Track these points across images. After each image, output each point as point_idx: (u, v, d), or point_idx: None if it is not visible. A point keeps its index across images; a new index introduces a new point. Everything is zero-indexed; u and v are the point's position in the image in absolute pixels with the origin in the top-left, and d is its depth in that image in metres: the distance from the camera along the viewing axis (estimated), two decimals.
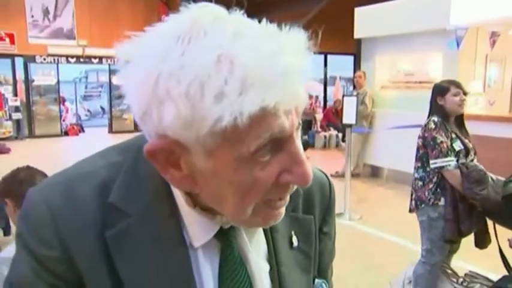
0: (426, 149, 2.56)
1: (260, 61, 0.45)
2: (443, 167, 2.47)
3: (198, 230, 0.58)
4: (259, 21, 0.51)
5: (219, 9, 0.50)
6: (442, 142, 2.48)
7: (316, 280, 0.71)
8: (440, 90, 2.62)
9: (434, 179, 2.55)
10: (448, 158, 2.46)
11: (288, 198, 0.56)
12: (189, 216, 0.57)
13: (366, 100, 6.79)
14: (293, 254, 0.66)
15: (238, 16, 0.50)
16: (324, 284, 0.72)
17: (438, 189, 2.54)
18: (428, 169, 2.57)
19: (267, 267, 0.64)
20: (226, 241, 0.60)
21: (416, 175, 2.66)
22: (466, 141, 2.58)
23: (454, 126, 2.60)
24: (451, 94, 2.57)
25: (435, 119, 2.55)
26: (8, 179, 1.92)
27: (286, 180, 0.51)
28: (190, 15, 0.49)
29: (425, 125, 2.59)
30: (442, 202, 2.53)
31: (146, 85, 0.47)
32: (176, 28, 0.48)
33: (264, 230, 0.64)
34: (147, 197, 0.56)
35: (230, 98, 0.44)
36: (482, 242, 2.58)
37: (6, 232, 4.07)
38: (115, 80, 13.31)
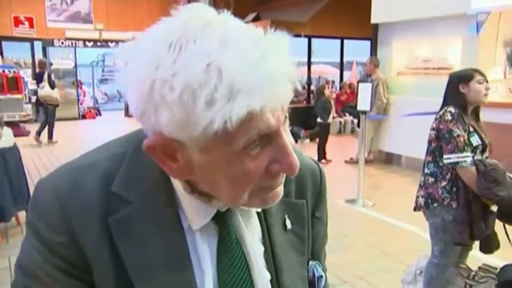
0: (440, 142, 2.36)
1: (245, 68, 0.48)
2: (458, 163, 2.27)
3: (196, 214, 0.62)
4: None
5: (209, 12, 0.53)
6: (458, 136, 2.27)
7: (311, 262, 0.75)
8: (463, 77, 2.41)
9: (448, 176, 2.35)
10: (464, 154, 2.26)
11: (282, 180, 0.60)
12: (187, 201, 0.62)
13: (379, 88, 6.71)
14: (287, 236, 0.70)
15: (226, 19, 0.53)
16: (318, 266, 0.75)
17: (453, 188, 2.34)
18: (441, 164, 2.37)
19: (261, 248, 0.68)
20: (223, 224, 0.64)
21: (426, 170, 2.46)
22: (484, 136, 2.37)
23: (471, 119, 2.39)
24: (476, 81, 2.36)
25: (452, 109, 2.33)
26: None
27: (276, 169, 0.56)
28: (181, 20, 0.52)
29: (440, 116, 2.37)
30: (456, 203, 2.34)
31: (142, 90, 0.51)
32: (168, 34, 0.51)
33: (258, 214, 0.68)
34: (147, 186, 0.61)
35: (220, 104, 0.48)
36: (488, 246, 2.43)
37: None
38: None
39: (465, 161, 2.26)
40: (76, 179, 0.60)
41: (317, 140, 7.61)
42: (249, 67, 0.48)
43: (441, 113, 2.40)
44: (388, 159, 7.26)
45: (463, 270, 2.57)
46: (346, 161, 7.30)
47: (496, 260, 2.79)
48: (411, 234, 4.13)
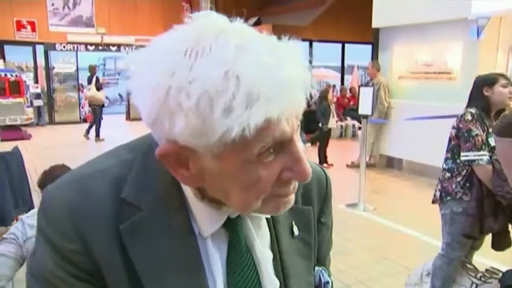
0: (459, 140, 2.46)
1: (263, 75, 0.48)
2: (474, 160, 2.36)
3: (206, 220, 0.62)
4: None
5: (222, 20, 0.53)
6: (477, 135, 2.36)
7: (316, 268, 0.75)
8: (488, 80, 2.48)
9: (464, 172, 2.45)
10: (481, 152, 2.35)
11: (295, 188, 0.60)
12: (198, 208, 0.61)
13: (381, 92, 6.72)
14: (294, 242, 0.70)
15: (239, 26, 0.53)
16: (324, 271, 0.75)
17: (467, 184, 2.44)
18: (458, 161, 2.47)
19: (270, 255, 0.68)
20: (233, 230, 0.64)
21: (444, 166, 2.57)
22: None
23: (494, 122, 2.41)
24: (500, 85, 2.44)
25: (473, 110, 2.43)
26: (46, 173, 2.31)
27: (288, 177, 0.56)
28: (194, 27, 0.52)
29: (461, 116, 2.47)
30: (468, 197, 2.43)
31: (156, 97, 0.50)
32: (182, 42, 0.51)
33: (267, 221, 0.68)
34: (158, 192, 0.60)
35: (238, 111, 0.47)
36: (500, 243, 2.50)
37: None
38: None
39: (481, 159, 2.36)
40: (85, 186, 0.59)
41: (318, 144, 7.61)
42: (266, 74, 0.48)
43: (463, 112, 2.50)
44: (389, 164, 7.25)
45: (471, 271, 2.62)
46: (347, 165, 7.30)
47: (503, 266, 2.78)
48: (412, 239, 4.13)
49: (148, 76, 0.51)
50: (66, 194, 0.59)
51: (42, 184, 2.27)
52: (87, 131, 9.89)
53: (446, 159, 2.57)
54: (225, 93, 0.47)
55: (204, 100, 0.48)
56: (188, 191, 0.61)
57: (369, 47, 11.49)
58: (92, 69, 10.41)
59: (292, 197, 0.60)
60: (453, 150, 2.51)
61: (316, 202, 0.75)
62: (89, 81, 10.16)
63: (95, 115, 9.96)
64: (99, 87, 9.96)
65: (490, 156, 2.36)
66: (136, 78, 0.52)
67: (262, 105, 0.48)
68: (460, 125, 2.45)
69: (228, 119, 0.47)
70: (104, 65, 20.06)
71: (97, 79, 10.08)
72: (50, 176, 2.26)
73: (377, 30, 7.11)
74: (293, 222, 0.70)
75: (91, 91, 9.89)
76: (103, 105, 10.23)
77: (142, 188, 0.60)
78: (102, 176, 0.60)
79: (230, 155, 0.51)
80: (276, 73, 0.49)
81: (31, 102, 11.32)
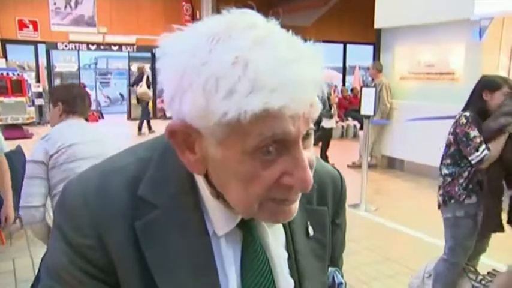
0: (458, 145, 2.42)
1: (272, 67, 0.49)
2: (482, 159, 2.33)
3: (221, 219, 0.62)
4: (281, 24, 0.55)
5: (256, 17, 0.54)
6: (475, 137, 2.34)
7: (330, 268, 0.75)
8: (490, 84, 2.39)
9: (465, 174, 2.41)
10: (481, 149, 2.32)
11: (296, 198, 0.58)
12: (213, 207, 0.62)
13: (383, 92, 6.72)
14: (309, 243, 0.70)
15: (271, 25, 0.54)
16: (337, 272, 0.76)
17: (470, 185, 2.40)
18: (462, 165, 2.43)
19: (285, 255, 0.68)
20: (247, 230, 0.64)
21: (445, 171, 2.51)
22: None
23: None
24: (502, 93, 2.34)
25: (467, 113, 2.39)
26: (64, 88, 2.41)
27: (287, 182, 0.55)
28: (227, 18, 0.54)
29: (456, 121, 2.44)
30: (472, 200, 2.40)
31: (175, 75, 0.53)
32: (211, 28, 0.53)
33: None
34: (173, 190, 0.61)
35: (238, 95, 0.49)
36: None
37: None
38: (134, 67, 13.47)
39: (486, 154, 2.33)
40: (103, 183, 0.60)
41: (320, 144, 7.61)
42: (279, 66, 0.49)
43: (457, 117, 2.46)
44: (391, 164, 7.25)
45: (471, 273, 2.60)
46: (348, 166, 7.29)
47: (504, 266, 2.78)
48: (414, 239, 4.13)
49: (174, 56, 0.53)
50: (84, 190, 0.60)
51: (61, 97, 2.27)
52: (140, 128, 10.31)
53: (447, 165, 2.51)
54: (230, 77, 0.49)
55: (211, 81, 0.49)
56: (204, 190, 0.61)
57: (371, 47, 11.51)
58: (141, 69, 11.07)
59: (294, 209, 0.59)
60: (454, 156, 2.46)
61: (330, 203, 0.75)
62: (138, 80, 10.90)
63: (143, 110, 10.68)
64: (149, 85, 10.75)
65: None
66: (165, 58, 0.54)
67: (265, 94, 0.48)
68: (457, 130, 2.41)
69: (228, 101, 0.49)
70: (96, 64, 19.78)
71: (148, 78, 10.81)
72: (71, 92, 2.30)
73: (379, 30, 7.11)
74: (308, 223, 0.70)
75: (143, 88, 10.61)
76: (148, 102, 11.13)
77: (159, 186, 0.61)
78: (120, 173, 0.61)
79: (230, 143, 0.52)
80: (288, 68, 0.49)
81: (33, 101, 11.33)
